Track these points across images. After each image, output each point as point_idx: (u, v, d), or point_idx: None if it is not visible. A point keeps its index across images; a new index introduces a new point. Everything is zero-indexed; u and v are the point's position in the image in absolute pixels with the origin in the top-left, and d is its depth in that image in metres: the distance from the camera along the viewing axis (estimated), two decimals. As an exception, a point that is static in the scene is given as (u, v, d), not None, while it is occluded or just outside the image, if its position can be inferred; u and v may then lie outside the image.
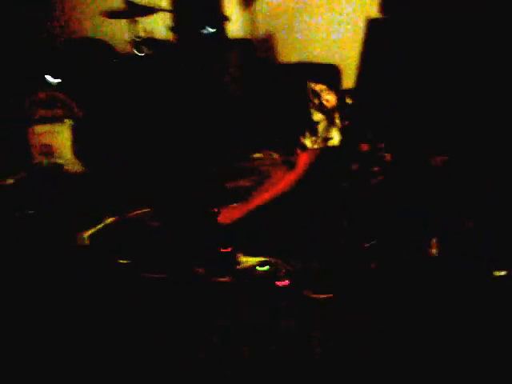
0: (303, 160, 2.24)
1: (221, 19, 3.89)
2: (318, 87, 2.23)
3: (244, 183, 2.93)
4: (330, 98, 2.20)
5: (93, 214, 2.72)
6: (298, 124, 2.23)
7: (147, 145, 3.31)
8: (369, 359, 1.64)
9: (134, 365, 1.69)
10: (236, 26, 4.12)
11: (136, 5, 3.48)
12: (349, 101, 2.27)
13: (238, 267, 2.13)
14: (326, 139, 2.18)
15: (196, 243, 2.32)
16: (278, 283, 2.00)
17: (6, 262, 2.39)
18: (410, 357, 1.63)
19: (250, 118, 3.16)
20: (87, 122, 3.39)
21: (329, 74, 3.74)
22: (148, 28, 3.70)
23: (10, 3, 3.97)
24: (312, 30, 4.13)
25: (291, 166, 2.28)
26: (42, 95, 3.45)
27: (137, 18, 3.54)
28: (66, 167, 3.40)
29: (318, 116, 2.18)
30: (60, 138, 3.41)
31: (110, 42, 3.87)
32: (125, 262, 2.29)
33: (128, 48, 3.60)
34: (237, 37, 4.17)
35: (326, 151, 2.22)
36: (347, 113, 2.22)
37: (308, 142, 2.19)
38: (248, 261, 2.14)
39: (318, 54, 4.07)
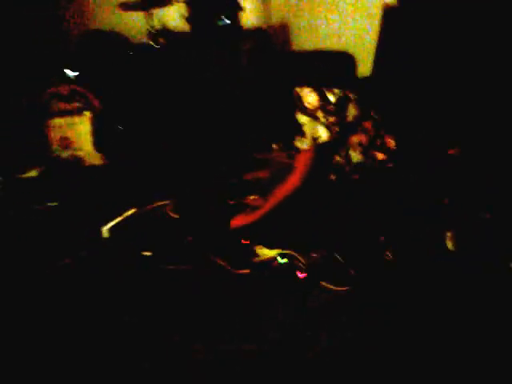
0: (302, 160, 2.32)
1: (235, 9, 3.88)
2: (302, 91, 2.32)
3: (261, 174, 2.96)
4: (311, 100, 2.27)
5: (113, 207, 2.78)
6: (290, 126, 2.34)
7: (165, 136, 3.35)
8: (384, 354, 1.67)
9: (158, 355, 1.74)
10: (250, 15, 4.12)
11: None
12: (332, 98, 2.33)
13: (256, 259, 2.17)
14: (315, 138, 2.26)
15: (215, 235, 2.37)
16: (298, 274, 2.04)
17: (26, 254, 2.44)
18: (425, 351, 1.66)
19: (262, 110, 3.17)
20: (106, 115, 3.44)
21: (343, 62, 3.72)
22: (164, 19, 3.72)
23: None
24: (325, 18, 4.11)
25: (293, 165, 2.36)
26: (60, 88, 3.50)
27: (153, 10, 3.56)
28: (85, 160, 3.45)
29: (302, 118, 2.27)
30: (79, 130, 3.46)
31: (127, 34, 3.90)
32: (146, 253, 2.34)
33: (144, 39, 3.63)
34: (251, 27, 4.17)
35: (320, 148, 2.30)
36: (331, 109, 2.28)
37: (298, 144, 2.29)
38: (266, 253, 2.18)
39: (332, 41, 4.07)
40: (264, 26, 4.10)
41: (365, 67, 3.52)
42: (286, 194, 2.34)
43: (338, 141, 2.32)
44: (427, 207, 2.23)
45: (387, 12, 3.47)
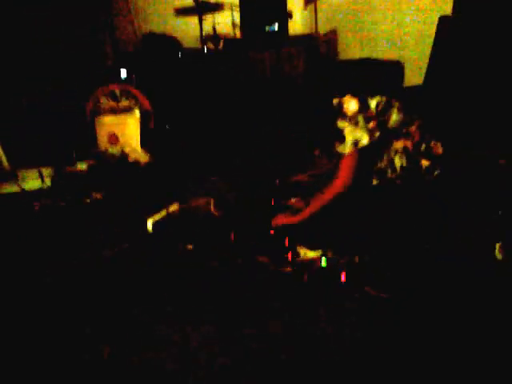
0: (345, 165, 2.33)
1: (285, 17, 3.94)
2: (343, 98, 2.35)
3: (303, 178, 2.96)
4: (351, 106, 2.30)
5: (157, 202, 2.83)
6: (331, 132, 2.36)
7: (211, 136, 3.40)
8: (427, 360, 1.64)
9: (195, 351, 1.76)
10: (299, 23, 4.17)
11: (204, 3, 3.59)
12: (373, 104, 2.33)
13: (298, 259, 2.17)
14: (355, 143, 2.26)
15: (258, 233, 2.38)
16: (339, 277, 2.03)
17: (71, 245, 2.51)
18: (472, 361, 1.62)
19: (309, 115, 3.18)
20: (155, 114, 3.52)
21: (392, 70, 3.71)
22: (216, 25, 3.81)
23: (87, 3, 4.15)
24: (375, 27, 4.12)
25: (337, 171, 2.37)
26: (111, 87, 3.61)
27: (205, 16, 3.65)
28: (131, 156, 3.54)
29: (342, 123, 2.27)
30: (127, 128, 3.56)
31: (180, 39, 4.00)
32: (189, 247, 2.37)
33: (196, 44, 3.72)
34: (299, 34, 4.21)
35: (361, 153, 2.30)
36: (370, 114, 2.30)
37: (339, 149, 2.30)
38: (309, 254, 2.17)
39: (381, 50, 4.06)
40: (313, 34, 4.14)
41: (415, 77, 3.50)
42: (328, 198, 2.34)
43: (381, 146, 2.31)
44: (475, 216, 2.18)
45: (440, 21, 3.44)
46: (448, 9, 3.39)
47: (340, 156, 2.32)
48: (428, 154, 2.35)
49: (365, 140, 2.28)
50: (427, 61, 3.40)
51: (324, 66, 3.99)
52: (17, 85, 3.64)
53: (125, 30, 4.27)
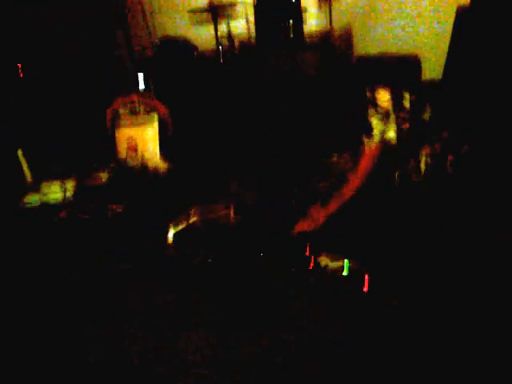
0: (364, 161, 2.28)
1: (300, 15, 3.89)
2: (376, 91, 2.28)
3: (321, 184, 2.93)
4: (384, 100, 2.22)
5: (177, 211, 2.84)
6: (360, 125, 2.31)
7: (230, 143, 3.39)
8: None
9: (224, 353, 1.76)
10: (315, 20, 4.11)
11: (220, 5, 3.57)
12: (406, 100, 2.28)
13: (320, 268, 2.15)
14: (383, 139, 2.22)
15: (279, 241, 2.37)
16: (361, 287, 2.00)
17: (92, 255, 2.54)
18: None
19: (325, 116, 3.15)
20: (172, 121, 3.53)
21: (408, 66, 3.64)
22: (230, 27, 3.79)
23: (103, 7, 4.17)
24: (391, 21, 4.04)
25: (356, 166, 2.32)
26: (129, 96, 3.63)
27: (220, 19, 3.64)
28: (151, 165, 3.56)
29: (373, 117, 2.23)
30: (146, 137, 3.57)
31: (195, 42, 4.00)
32: (209, 260, 2.38)
33: (212, 46, 3.72)
34: (314, 31, 4.15)
35: (387, 150, 2.26)
36: (405, 112, 2.25)
37: (367, 143, 2.25)
38: (329, 263, 2.15)
39: (398, 45, 3.99)
40: (328, 31, 4.08)
41: (434, 71, 3.42)
42: (348, 195, 2.31)
43: (409, 144, 2.27)
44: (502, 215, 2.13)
45: (458, 14, 3.35)
46: (466, -1, 3.31)
47: (361, 153, 2.27)
48: (454, 153, 2.30)
49: (392, 133, 2.24)
50: (445, 55, 3.32)
51: (340, 62, 3.94)
52: (38, 96, 3.69)
53: (140, 37, 4.29)
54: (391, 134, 2.23)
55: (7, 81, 3.57)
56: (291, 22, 3.80)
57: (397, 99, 2.25)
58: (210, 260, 2.36)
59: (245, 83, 3.53)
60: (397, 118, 2.23)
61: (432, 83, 3.55)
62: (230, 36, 3.85)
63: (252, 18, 3.93)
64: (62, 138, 3.51)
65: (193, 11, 3.83)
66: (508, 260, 2.02)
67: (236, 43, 3.82)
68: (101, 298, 2.19)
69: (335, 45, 4.04)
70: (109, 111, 3.63)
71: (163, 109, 3.53)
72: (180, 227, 2.66)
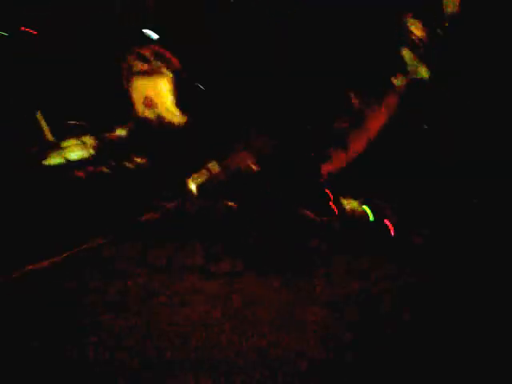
0: (390, 101, 2.19)
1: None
2: (410, 22, 2.11)
3: (340, 125, 2.89)
4: (419, 34, 2.07)
5: (196, 161, 2.85)
6: (387, 61, 2.15)
7: (243, 93, 3.35)
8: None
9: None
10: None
11: None
12: (441, 33, 2.11)
13: (343, 210, 2.17)
14: (413, 73, 2.08)
15: (299, 186, 2.38)
16: (385, 224, 2.02)
17: (115, 206, 2.59)
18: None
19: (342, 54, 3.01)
20: (187, 74, 3.49)
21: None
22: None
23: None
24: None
25: (378, 108, 2.24)
26: (142, 49, 3.58)
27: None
28: (167, 118, 3.55)
29: (404, 51, 2.09)
30: (161, 90, 3.55)
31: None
32: (231, 205, 2.40)
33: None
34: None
35: (414, 87, 2.13)
36: (438, 47, 2.09)
37: (395, 80, 2.12)
38: (351, 203, 2.17)
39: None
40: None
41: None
42: (373, 133, 2.26)
43: (439, 85, 2.14)
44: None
45: None
46: None
47: (390, 87, 2.17)
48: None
49: (425, 75, 2.12)
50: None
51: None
52: (54, 57, 3.65)
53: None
54: (423, 71, 2.10)
55: (21, 43, 3.54)
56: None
57: (432, 34, 2.06)
58: (231, 206, 2.38)
59: (257, 29, 3.43)
60: (428, 57, 2.07)
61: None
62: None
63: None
64: (79, 96, 3.49)
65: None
66: None
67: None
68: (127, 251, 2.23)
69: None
70: (123, 65, 3.59)
71: (176, 60, 3.49)
72: (202, 179, 2.69)
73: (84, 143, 3.26)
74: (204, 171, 2.76)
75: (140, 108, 3.64)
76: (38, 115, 3.41)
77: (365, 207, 2.11)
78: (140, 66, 3.64)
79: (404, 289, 1.76)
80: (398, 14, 2.13)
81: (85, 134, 3.33)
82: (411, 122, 2.25)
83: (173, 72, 3.54)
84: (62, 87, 3.45)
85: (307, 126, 2.90)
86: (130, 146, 3.27)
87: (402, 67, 2.06)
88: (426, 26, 2.06)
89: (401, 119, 2.22)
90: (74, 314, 1.72)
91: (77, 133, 3.35)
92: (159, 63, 3.58)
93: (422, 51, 2.05)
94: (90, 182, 2.91)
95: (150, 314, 1.76)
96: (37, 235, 2.32)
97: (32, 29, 3.49)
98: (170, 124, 3.53)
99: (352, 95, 2.65)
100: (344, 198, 2.18)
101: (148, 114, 3.61)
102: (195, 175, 2.73)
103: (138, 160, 3.12)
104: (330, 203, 2.19)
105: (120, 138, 3.44)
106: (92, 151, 3.24)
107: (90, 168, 3.06)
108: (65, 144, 3.34)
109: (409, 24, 2.06)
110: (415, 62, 2.04)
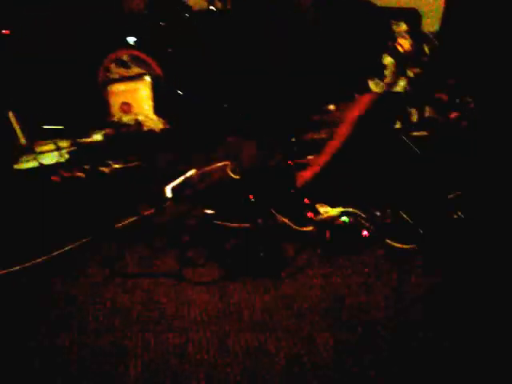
0: (362, 103, 2.21)
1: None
2: (399, 29, 2.16)
3: (317, 136, 2.91)
4: (404, 43, 2.13)
5: (174, 168, 2.83)
6: (368, 65, 2.20)
7: (225, 98, 3.34)
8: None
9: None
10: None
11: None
12: (426, 48, 2.18)
13: (319, 217, 2.17)
14: (391, 85, 2.15)
15: (277, 194, 2.37)
16: (362, 233, 2.03)
17: (92, 213, 2.51)
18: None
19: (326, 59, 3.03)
20: (166, 80, 3.47)
21: (409, 17, 3.58)
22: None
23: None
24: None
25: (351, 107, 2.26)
26: (120, 54, 3.55)
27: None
28: (145, 124, 3.52)
29: (387, 60, 2.14)
30: (140, 95, 3.52)
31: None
32: (208, 211, 2.38)
33: (204, 4, 3.63)
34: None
35: (389, 96, 2.19)
36: (422, 60, 2.16)
37: (372, 85, 2.17)
38: (329, 211, 2.17)
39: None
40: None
41: (432, 23, 3.37)
42: (336, 144, 2.27)
43: (415, 94, 2.20)
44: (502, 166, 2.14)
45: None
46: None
47: (366, 90, 2.19)
48: (460, 107, 2.26)
49: (402, 87, 2.16)
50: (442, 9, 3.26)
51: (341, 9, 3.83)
52: (29, 58, 3.59)
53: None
54: (401, 84, 2.15)
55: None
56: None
57: (417, 45, 2.11)
58: (208, 216, 2.36)
59: (237, 38, 3.45)
60: (412, 67, 2.12)
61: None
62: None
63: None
64: (55, 99, 3.44)
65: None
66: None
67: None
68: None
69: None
70: (100, 70, 3.55)
71: (155, 66, 3.47)
72: (178, 181, 2.67)
73: (59, 147, 3.20)
74: (182, 178, 2.74)
75: (117, 113, 3.61)
76: (10, 116, 3.33)
77: (342, 215, 2.11)
78: (118, 70, 3.61)
79: (381, 293, 1.77)
80: (388, 21, 2.19)
81: (60, 137, 3.27)
82: (384, 129, 2.28)
83: (152, 77, 3.52)
84: (36, 89, 3.39)
85: (287, 136, 2.92)
86: (106, 151, 3.22)
87: (381, 74, 2.10)
88: (414, 40, 2.12)
89: (374, 125, 2.25)
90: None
91: (52, 136, 3.29)
92: (138, 68, 3.56)
93: (406, 64, 2.10)
94: (64, 187, 2.84)
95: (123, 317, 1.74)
96: (9, 240, 2.27)
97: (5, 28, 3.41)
98: (148, 130, 3.50)
99: (333, 108, 2.68)
100: (321, 205, 2.18)
101: (125, 119, 3.58)
102: (173, 182, 2.71)
103: (115, 165, 3.07)
104: (308, 211, 2.18)
105: (96, 142, 3.39)
106: (67, 156, 3.18)
107: (65, 173, 3.00)
108: (39, 148, 3.27)
109: (397, 33, 2.12)
110: (396, 73, 2.08)
